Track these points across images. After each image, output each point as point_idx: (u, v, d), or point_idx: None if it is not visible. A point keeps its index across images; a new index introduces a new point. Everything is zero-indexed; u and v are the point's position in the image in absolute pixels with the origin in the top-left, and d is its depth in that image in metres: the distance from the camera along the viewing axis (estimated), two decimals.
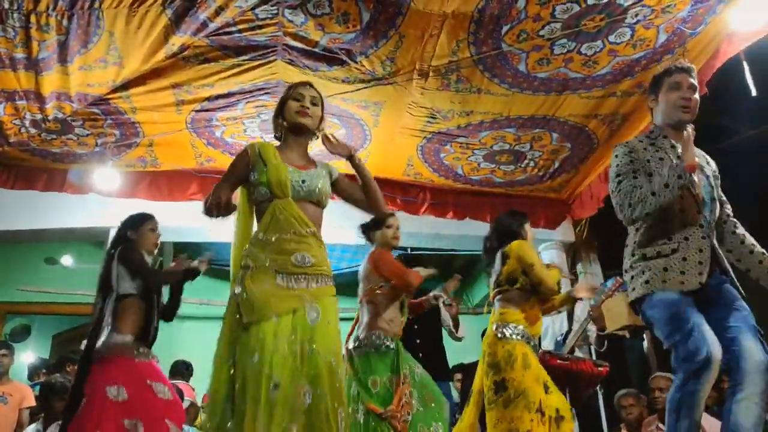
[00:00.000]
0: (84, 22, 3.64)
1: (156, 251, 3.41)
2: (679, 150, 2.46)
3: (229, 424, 2.08)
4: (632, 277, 2.48)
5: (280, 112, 2.54)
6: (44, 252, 7.38)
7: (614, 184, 2.49)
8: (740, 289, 2.39)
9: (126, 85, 4.26)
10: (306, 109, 2.47)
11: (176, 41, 3.82)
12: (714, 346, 2.16)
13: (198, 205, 5.35)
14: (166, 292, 3.33)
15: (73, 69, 4.04)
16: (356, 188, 2.57)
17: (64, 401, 4.12)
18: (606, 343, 4.46)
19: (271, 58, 4.06)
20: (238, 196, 2.52)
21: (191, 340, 6.56)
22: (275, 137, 2.59)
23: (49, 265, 7.44)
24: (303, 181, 2.37)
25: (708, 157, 2.64)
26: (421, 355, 4.39)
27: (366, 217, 3.20)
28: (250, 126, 4.92)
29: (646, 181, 2.43)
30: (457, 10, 3.66)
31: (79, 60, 3.96)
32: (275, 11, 3.65)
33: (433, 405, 3.17)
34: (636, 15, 3.80)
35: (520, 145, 5.21)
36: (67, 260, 7.31)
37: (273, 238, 2.29)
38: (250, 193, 2.45)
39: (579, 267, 6.62)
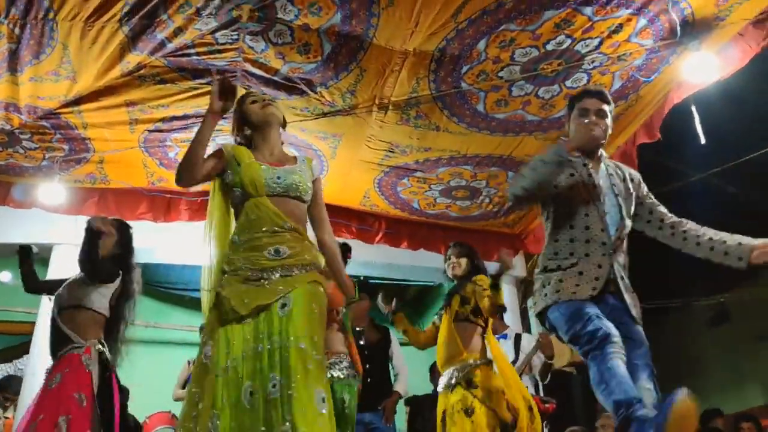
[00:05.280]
0: (37, 32, 3.52)
1: None
2: (591, 167, 2.52)
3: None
4: (535, 290, 2.52)
5: (243, 121, 2.49)
6: None
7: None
8: (634, 316, 2.37)
9: (78, 101, 4.13)
10: (269, 101, 2.48)
11: (132, 59, 3.74)
12: (612, 329, 2.16)
13: (148, 225, 5.28)
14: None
15: (24, 79, 3.90)
16: (318, 208, 2.48)
17: None
18: (549, 375, 4.49)
19: None
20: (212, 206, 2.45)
21: (136, 363, 6.34)
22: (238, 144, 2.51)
23: None
24: (278, 177, 2.31)
25: (627, 172, 2.63)
26: (369, 380, 4.36)
27: None
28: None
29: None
30: (418, 48, 3.69)
31: (30, 70, 3.82)
32: (236, 36, 3.61)
33: None
34: (593, 61, 3.90)
35: (477, 181, 5.26)
36: (5, 276, 7.01)
37: (246, 238, 2.23)
38: (227, 197, 2.40)
39: (529, 301, 6.69)
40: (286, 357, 2.02)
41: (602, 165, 2.58)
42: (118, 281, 3.39)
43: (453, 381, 3.51)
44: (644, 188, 2.61)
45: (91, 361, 3.14)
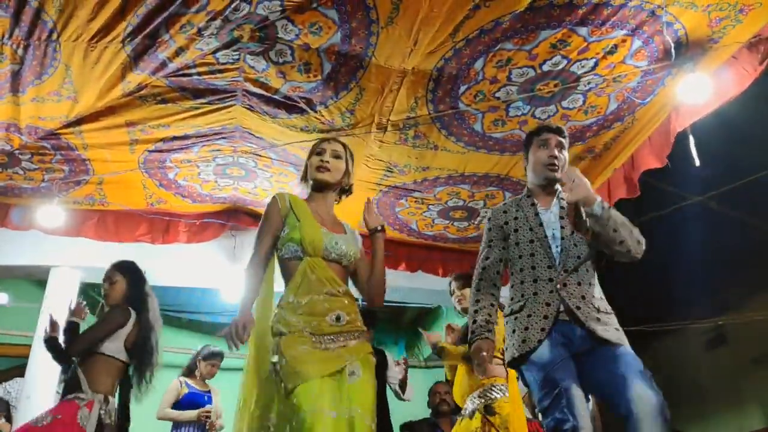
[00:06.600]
0: (40, 53, 3.55)
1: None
2: (540, 209, 2.55)
3: None
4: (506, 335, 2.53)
5: (306, 169, 2.58)
6: None
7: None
8: (605, 339, 2.33)
9: (79, 121, 4.15)
10: (326, 164, 2.47)
11: (134, 79, 3.77)
12: (580, 415, 2.16)
13: (145, 247, 5.28)
14: None
15: (25, 99, 3.93)
16: (365, 268, 2.54)
17: None
18: None
19: (230, 103, 4.04)
20: None
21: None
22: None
23: None
24: (336, 244, 2.36)
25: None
26: None
27: None
28: (205, 170, 4.86)
29: (497, 249, 2.60)
30: (417, 67, 3.73)
31: (32, 91, 3.85)
32: (237, 56, 3.65)
33: None
34: (588, 83, 3.94)
35: (474, 201, 5.28)
36: (2, 299, 6.99)
37: (304, 301, 2.24)
38: (276, 248, 2.40)
39: None
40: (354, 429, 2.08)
41: (554, 199, 2.60)
42: (131, 323, 3.37)
43: (473, 407, 3.47)
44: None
45: (88, 419, 3.09)
